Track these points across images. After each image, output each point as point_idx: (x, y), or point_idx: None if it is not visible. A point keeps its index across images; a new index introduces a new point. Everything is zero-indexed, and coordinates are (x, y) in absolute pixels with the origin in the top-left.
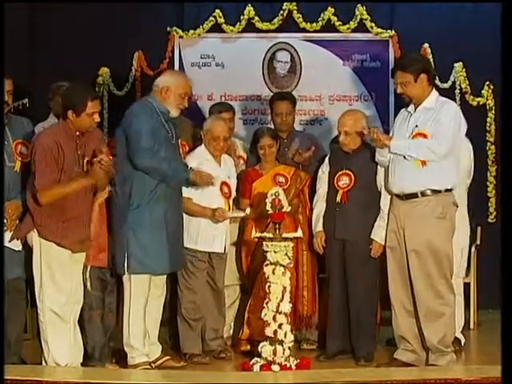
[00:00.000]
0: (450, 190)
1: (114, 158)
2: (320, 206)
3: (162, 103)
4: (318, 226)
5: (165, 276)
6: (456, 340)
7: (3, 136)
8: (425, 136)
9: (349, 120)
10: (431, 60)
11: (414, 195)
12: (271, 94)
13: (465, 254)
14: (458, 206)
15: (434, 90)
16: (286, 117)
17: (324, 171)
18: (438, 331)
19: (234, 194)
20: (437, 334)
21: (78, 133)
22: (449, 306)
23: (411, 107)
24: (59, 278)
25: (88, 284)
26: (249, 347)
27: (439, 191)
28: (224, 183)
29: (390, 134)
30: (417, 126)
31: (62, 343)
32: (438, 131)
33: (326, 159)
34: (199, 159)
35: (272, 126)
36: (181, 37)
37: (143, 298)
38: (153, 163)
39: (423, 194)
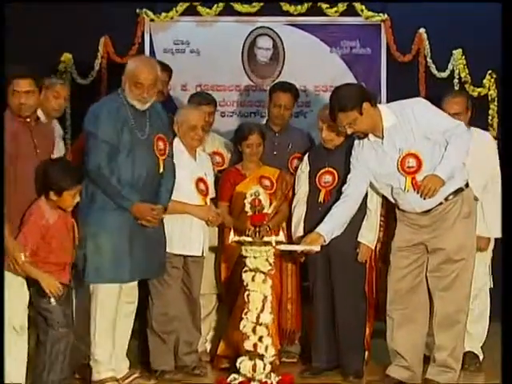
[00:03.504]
0: (468, 185)
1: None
2: (300, 209)
3: (126, 96)
4: (299, 231)
5: (135, 283)
6: (474, 356)
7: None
8: (414, 156)
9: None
10: (427, 46)
11: (437, 205)
12: (251, 83)
13: None
14: (477, 200)
15: (379, 106)
16: (284, 110)
17: (303, 170)
18: (451, 341)
19: (212, 192)
20: (449, 344)
21: (28, 119)
22: (465, 314)
23: (371, 136)
24: (17, 288)
25: (52, 300)
26: (228, 364)
27: (461, 189)
28: (200, 179)
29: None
30: (400, 149)
31: (21, 360)
32: (440, 125)
33: (305, 157)
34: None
35: (262, 121)
36: (152, 20)
37: (110, 309)
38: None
39: (446, 199)
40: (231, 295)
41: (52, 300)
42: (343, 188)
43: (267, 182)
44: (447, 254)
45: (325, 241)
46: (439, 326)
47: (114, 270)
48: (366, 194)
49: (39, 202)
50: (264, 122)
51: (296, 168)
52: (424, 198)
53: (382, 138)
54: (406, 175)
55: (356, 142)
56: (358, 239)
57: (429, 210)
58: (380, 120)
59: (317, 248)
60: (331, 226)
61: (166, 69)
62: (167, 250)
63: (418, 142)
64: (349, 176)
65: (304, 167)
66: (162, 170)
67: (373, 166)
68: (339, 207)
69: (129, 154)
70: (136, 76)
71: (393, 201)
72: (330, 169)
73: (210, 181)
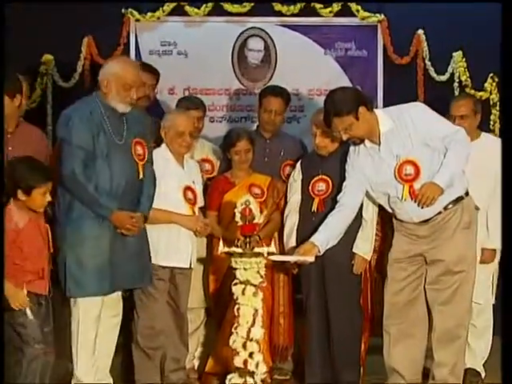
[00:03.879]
0: (468, 193)
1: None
2: (293, 218)
3: (105, 99)
4: (291, 242)
5: (119, 294)
6: (475, 373)
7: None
8: (412, 163)
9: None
10: (426, 48)
11: (435, 215)
12: (241, 86)
13: None
14: (478, 209)
15: (376, 111)
16: (275, 116)
17: (296, 179)
18: (451, 357)
19: (200, 201)
20: (449, 361)
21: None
22: (466, 329)
23: (367, 142)
24: None
25: (28, 313)
26: (217, 382)
27: (461, 198)
28: (188, 188)
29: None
30: (397, 155)
31: None
32: (440, 131)
33: (298, 165)
34: (157, 160)
35: (253, 127)
36: (137, 20)
37: (92, 323)
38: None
39: (446, 208)
40: (220, 309)
41: (28, 313)
42: (338, 197)
43: (257, 190)
44: (447, 265)
45: (319, 251)
46: (439, 341)
47: (95, 282)
48: (362, 204)
49: (8, 206)
50: (255, 127)
51: (288, 175)
52: (422, 207)
53: (379, 144)
54: (404, 183)
55: (351, 148)
56: (353, 250)
57: (427, 220)
58: (376, 125)
59: (311, 259)
60: (326, 236)
61: (154, 72)
62: (153, 261)
63: (416, 148)
64: (344, 184)
65: (296, 175)
66: (141, 175)
67: (369, 174)
68: (334, 216)
69: (106, 160)
70: (124, 77)
71: (390, 210)
72: (324, 176)
73: (199, 189)
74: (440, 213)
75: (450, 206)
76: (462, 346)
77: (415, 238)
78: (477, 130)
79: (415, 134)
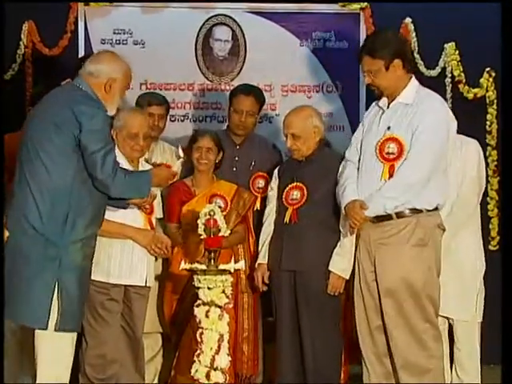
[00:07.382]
0: (435, 209)
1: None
2: (267, 231)
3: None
4: (261, 256)
5: None
6: None
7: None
8: (397, 141)
9: (296, 120)
10: (414, 39)
11: (387, 217)
12: (206, 81)
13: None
14: (444, 230)
15: (413, 79)
16: (246, 117)
17: (273, 187)
18: None
19: (158, 211)
20: None
21: None
22: (436, 359)
23: (383, 102)
24: None
25: None
26: None
27: (420, 211)
28: None
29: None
30: (389, 127)
31: None
32: (416, 145)
33: (276, 171)
34: None
35: (220, 127)
36: (87, 4)
37: (70, 358)
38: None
39: (399, 215)
40: (177, 333)
41: None
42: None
43: (220, 202)
44: (389, 285)
45: None
46: (405, 377)
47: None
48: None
49: None
50: (223, 127)
51: (259, 188)
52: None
53: (387, 108)
54: (384, 162)
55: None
56: (329, 268)
57: (379, 220)
58: (402, 89)
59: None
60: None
61: None
62: (104, 279)
63: (405, 132)
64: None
65: (273, 183)
66: None
67: (365, 127)
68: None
69: None
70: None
71: None
72: (299, 184)
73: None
74: (391, 218)
75: (407, 212)
76: (436, 379)
77: (364, 241)
78: None
79: (414, 120)
